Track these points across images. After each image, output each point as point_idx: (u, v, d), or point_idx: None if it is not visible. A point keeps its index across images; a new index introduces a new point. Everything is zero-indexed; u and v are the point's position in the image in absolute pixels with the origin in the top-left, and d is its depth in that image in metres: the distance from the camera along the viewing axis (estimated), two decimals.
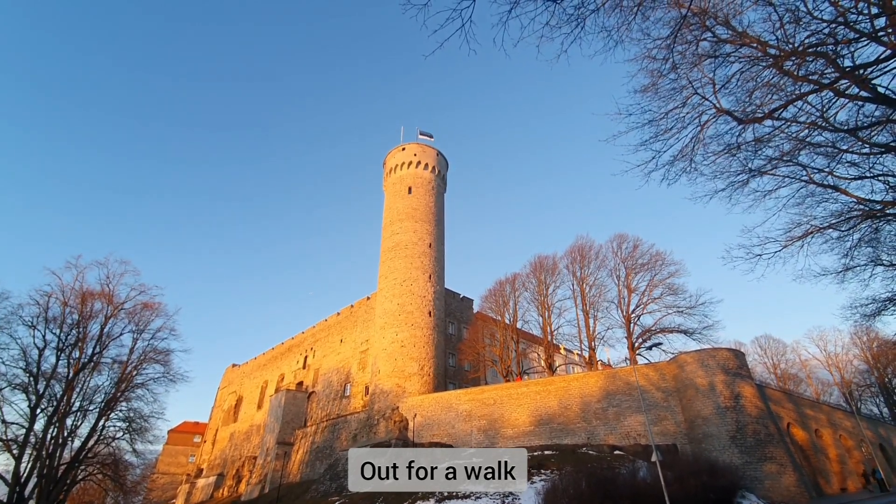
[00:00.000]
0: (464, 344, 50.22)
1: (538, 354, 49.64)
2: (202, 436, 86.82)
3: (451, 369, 50.31)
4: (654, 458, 19.11)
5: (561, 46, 8.55)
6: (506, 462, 29.51)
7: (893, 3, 11.58)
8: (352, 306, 60.58)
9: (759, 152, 16.65)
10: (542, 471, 26.49)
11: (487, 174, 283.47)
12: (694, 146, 14.91)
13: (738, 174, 17.13)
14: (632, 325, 41.15)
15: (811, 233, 20.83)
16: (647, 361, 37.58)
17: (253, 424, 68.61)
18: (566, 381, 36.78)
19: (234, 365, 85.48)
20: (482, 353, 47.67)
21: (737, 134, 16.58)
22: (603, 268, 45.10)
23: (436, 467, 33.11)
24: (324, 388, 57.52)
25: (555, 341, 46.47)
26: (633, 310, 41.59)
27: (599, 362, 45.01)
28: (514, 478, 25.70)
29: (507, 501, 22.58)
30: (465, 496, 23.57)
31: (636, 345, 40.21)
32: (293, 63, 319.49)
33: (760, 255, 21.04)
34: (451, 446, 37.34)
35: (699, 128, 14.61)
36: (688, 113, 14.56)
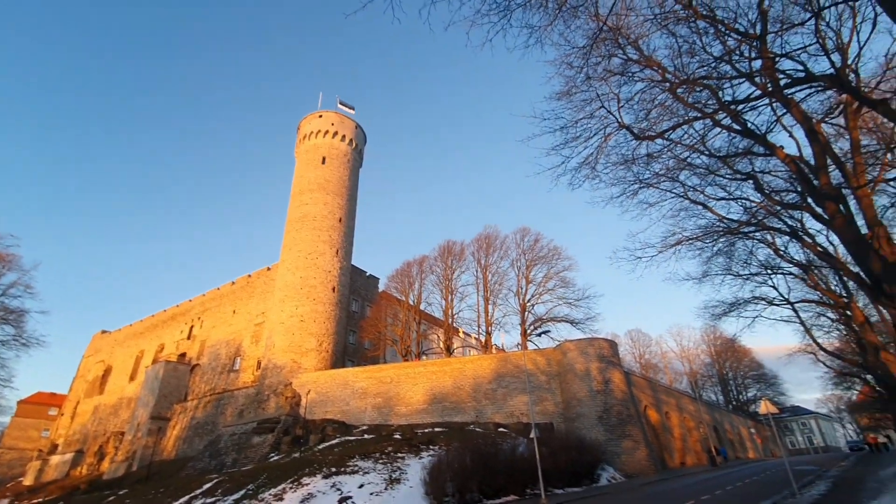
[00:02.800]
0: (366, 322, 49.91)
1: (438, 336, 51.03)
2: (59, 408, 76.60)
3: (351, 347, 49.84)
4: (532, 435, 20.81)
5: (486, 35, 8.71)
6: (396, 438, 30.21)
7: (769, 49, 13.43)
8: (249, 276, 56.97)
9: (649, 167, 18.51)
10: (431, 447, 27.52)
11: (405, 156, 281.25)
12: (597, 155, 16.11)
13: (631, 185, 18.92)
14: (526, 312, 43.95)
15: (682, 242, 23.78)
16: (536, 347, 40.55)
17: (123, 397, 62.04)
18: (462, 363, 38.40)
19: (103, 332, 76.23)
20: (384, 332, 47.83)
21: (633, 148, 18.24)
22: (506, 258, 47.44)
23: (326, 443, 32.83)
24: (210, 360, 53.72)
25: (455, 324, 48.11)
26: (529, 299, 44.41)
27: (494, 346, 47.58)
28: (402, 454, 26.39)
29: (394, 476, 23.13)
30: (354, 471, 23.70)
31: (528, 331, 43.09)
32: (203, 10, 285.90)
33: (640, 258, 23.58)
34: (344, 423, 37.22)
35: (603, 139, 15.80)
36: (595, 124, 15.64)
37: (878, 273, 14.13)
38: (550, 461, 22.79)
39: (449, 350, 45.83)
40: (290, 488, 22.20)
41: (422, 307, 48.72)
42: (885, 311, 19.54)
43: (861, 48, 13.79)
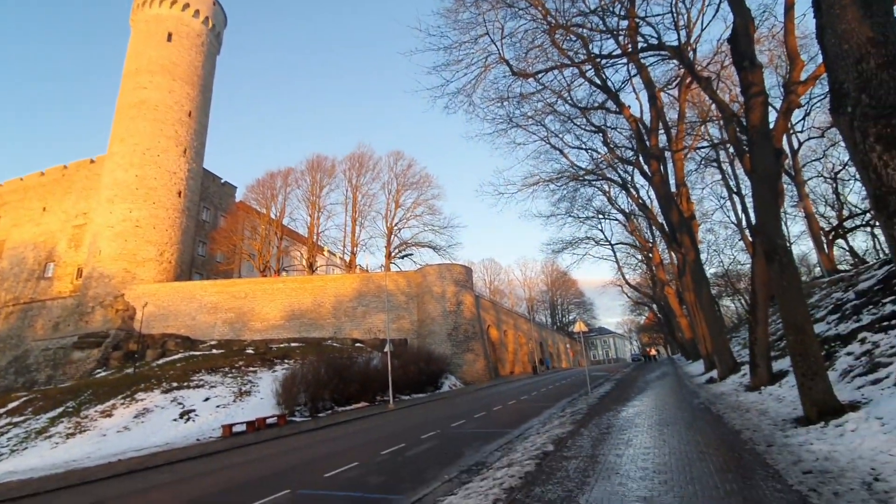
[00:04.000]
0: (218, 233, 45.63)
1: (301, 253, 49.36)
2: None
3: (201, 259, 45.55)
4: (386, 349, 22.31)
5: None
6: (248, 353, 29.56)
7: (636, 11, 14.70)
8: (65, 167, 46.76)
9: (521, 107, 19.51)
10: (286, 361, 27.67)
11: (276, 51, 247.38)
12: (476, 84, 16.38)
13: (502, 123, 19.86)
14: (392, 236, 44.85)
15: (539, 183, 26.18)
16: (398, 269, 42.15)
17: None
18: (324, 281, 38.28)
19: None
20: (239, 245, 44.50)
21: (508, 85, 18.93)
22: (377, 180, 46.87)
23: (167, 358, 30.62)
24: (12, 265, 44.33)
25: (320, 243, 46.99)
26: (397, 223, 45.19)
27: (358, 266, 48.07)
28: (255, 368, 26.11)
29: (244, 389, 22.95)
30: (199, 386, 22.82)
31: (392, 254, 44.30)
32: None
33: (503, 194, 25.52)
34: (189, 338, 34.87)
35: (483, 68, 16.05)
36: (478, 52, 15.72)
37: (675, 223, 17.63)
38: (401, 372, 24.94)
39: (312, 268, 44.98)
40: (122, 404, 20.53)
41: (285, 222, 46.23)
42: (674, 255, 24.65)
43: (703, 29, 15.96)
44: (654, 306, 46.76)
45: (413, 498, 6.31)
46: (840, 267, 25.36)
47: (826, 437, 5.70)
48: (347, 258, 46.55)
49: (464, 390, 28.34)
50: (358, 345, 33.35)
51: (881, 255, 26.11)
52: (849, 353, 8.71)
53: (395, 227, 45.09)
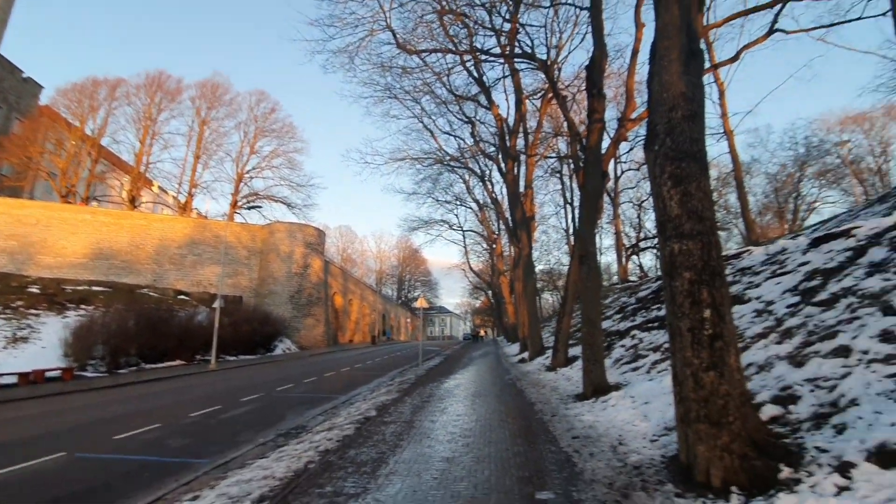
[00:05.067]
0: (10, 139, 35.53)
1: (121, 184, 41.45)
2: None
3: None
4: (216, 305, 20.32)
5: None
6: (32, 292, 24.11)
7: (518, 17, 15.55)
8: None
9: (401, 80, 19.30)
10: (84, 306, 23.31)
11: None
12: (359, 47, 15.65)
13: (380, 91, 19.39)
14: (242, 183, 40.69)
15: (406, 159, 26.38)
16: (243, 221, 38.49)
17: None
18: (148, 220, 33.02)
19: None
20: (37, 158, 35.38)
21: (392, 56, 18.51)
22: (233, 118, 41.80)
23: None
24: None
25: (150, 175, 40.19)
26: (249, 170, 41.09)
27: (195, 210, 42.52)
28: (39, 311, 21.44)
29: (20, 334, 18.71)
30: None
31: (239, 203, 40.25)
32: None
33: (370, 164, 25.20)
34: None
35: (369, 32, 15.37)
36: (365, 14, 14.99)
37: (518, 220, 19.54)
38: (231, 331, 23.03)
39: (133, 202, 38.23)
40: None
41: (104, 143, 38.22)
42: (513, 248, 27.36)
43: (569, 52, 17.71)
44: (490, 292, 51.44)
45: (219, 461, 5.94)
46: (631, 277, 31.18)
47: (594, 411, 7.03)
48: (182, 199, 40.77)
49: (298, 355, 27.49)
50: (182, 297, 29.68)
51: (659, 272, 32.96)
52: (622, 346, 10.84)
53: (247, 175, 40.96)
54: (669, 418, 5.17)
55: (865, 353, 4.62)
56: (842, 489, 3.08)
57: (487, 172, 27.65)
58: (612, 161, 28.26)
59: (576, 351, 13.19)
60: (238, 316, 25.83)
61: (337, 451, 5.58)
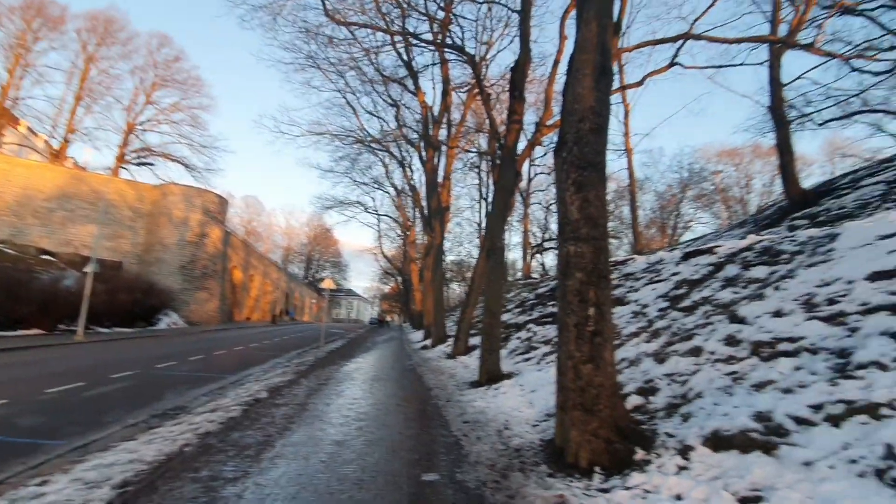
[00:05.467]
0: None
1: None
2: None
3: None
4: (88, 269, 17.92)
5: None
6: None
7: (452, 9, 15.51)
8: None
9: (327, 50, 18.36)
10: None
11: None
12: (284, 6, 14.62)
13: (303, 58, 18.31)
14: (132, 135, 36.13)
15: (325, 134, 25.31)
16: (130, 178, 34.30)
17: None
18: (10, 164, 28.04)
19: None
20: None
21: (319, 25, 17.53)
22: (128, 59, 36.86)
23: None
24: None
25: (17, 112, 34.04)
26: (143, 121, 36.62)
27: (72, 160, 36.96)
28: None
29: None
30: None
31: (127, 157, 35.74)
32: None
33: (285, 134, 23.74)
34: None
35: None
36: None
37: (433, 210, 19.74)
38: (106, 300, 20.49)
39: None
40: None
41: None
42: (426, 237, 27.61)
43: (498, 52, 18.13)
44: (400, 278, 51.56)
45: (77, 443, 5.29)
46: (533, 274, 33.13)
47: (486, 397, 7.40)
48: (56, 145, 35.16)
49: (185, 330, 25.30)
50: (46, 257, 25.73)
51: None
52: (518, 338, 11.51)
53: (139, 127, 36.48)
54: (551, 405, 5.60)
55: (713, 353, 5.40)
56: (681, 468, 3.58)
57: (408, 159, 27.51)
58: (526, 162, 29.55)
59: (477, 340, 13.74)
60: (116, 283, 23.06)
61: (218, 434, 5.26)
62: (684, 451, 3.78)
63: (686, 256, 9.57)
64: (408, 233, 37.80)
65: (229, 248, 37.36)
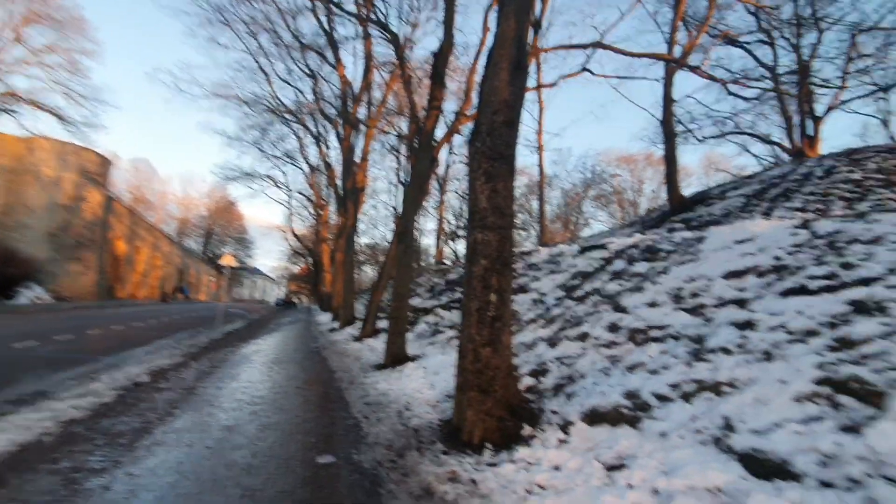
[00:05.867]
0: None
1: None
2: None
3: None
4: None
5: None
6: None
7: None
8: None
9: (238, 4, 16.87)
10: None
11: None
12: None
13: (208, 11, 16.67)
14: None
15: (232, 98, 23.35)
16: None
17: None
18: None
19: None
20: None
21: None
22: None
23: None
24: None
25: None
26: (9, 63, 30.77)
27: None
28: None
29: None
30: None
31: None
32: None
33: (184, 92, 21.46)
34: None
35: None
36: None
37: (348, 190, 19.20)
38: None
39: None
40: None
41: None
42: (340, 217, 26.80)
43: (423, 35, 17.86)
44: (311, 259, 49.63)
45: None
46: (445, 261, 33.77)
47: (389, 379, 7.46)
48: None
49: (54, 306, 22.11)
50: None
51: None
52: (426, 322, 11.71)
53: (3, 68, 30.55)
54: (452, 387, 5.80)
55: (597, 338, 5.94)
56: (562, 442, 3.92)
57: (324, 134, 26.34)
58: (445, 150, 29.78)
59: (386, 324, 13.73)
60: None
61: (86, 422, 4.72)
62: (565, 426, 4.13)
63: (583, 250, 10.37)
64: (321, 212, 36.36)
65: (112, 215, 33.18)
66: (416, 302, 14.53)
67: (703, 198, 15.80)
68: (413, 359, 8.50)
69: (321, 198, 35.76)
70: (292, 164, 33.30)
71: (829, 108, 18.65)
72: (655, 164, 38.25)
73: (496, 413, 4.42)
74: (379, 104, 20.75)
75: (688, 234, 8.30)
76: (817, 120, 18.15)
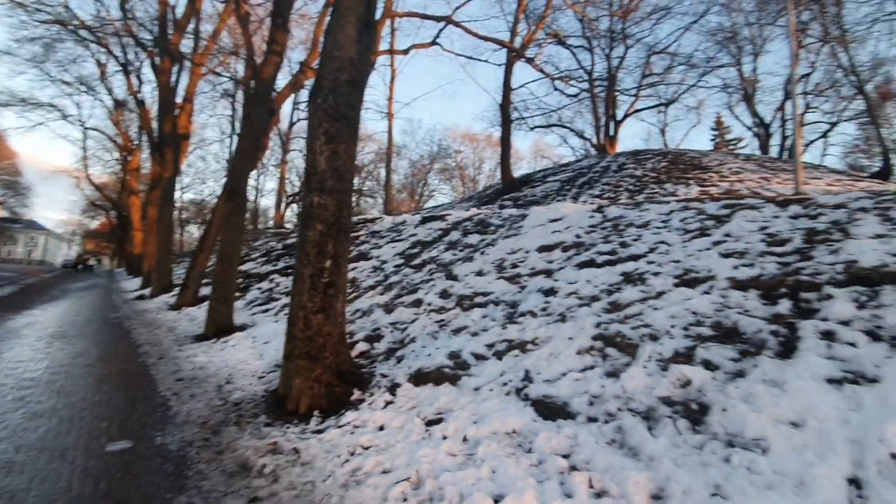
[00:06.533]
0: None
1: None
2: None
3: None
4: None
5: None
6: None
7: None
8: None
9: None
10: None
11: None
12: None
13: None
14: None
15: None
16: None
17: None
18: None
19: None
20: None
21: None
22: None
23: None
24: None
25: None
26: None
27: None
28: None
29: None
30: None
31: None
32: None
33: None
34: None
35: None
36: None
37: (166, 135, 16.40)
38: None
39: None
40: None
41: None
42: (154, 166, 22.76)
43: None
44: (114, 213, 41.33)
45: None
46: (287, 224, 31.71)
47: (211, 351, 6.77)
48: None
49: None
50: None
51: None
52: (259, 289, 10.90)
53: None
54: (282, 356, 5.55)
55: (430, 304, 6.28)
56: (388, 403, 4.08)
57: (136, 64, 21.78)
58: (289, 104, 27.53)
59: (208, 290, 12.35)
60: None
61: None
62: (393, 388, 4.31)
63: (424, 221, 10.75)
64: (129, 157, 30.25)
65: None
66: (248, 267, 13.37)
67: (529, 180, 17.74)
68: (241, 328, 7.85)
69: (130, 140, 29.78)
70: (91, 94, 26.88)
71: (626, 115, 22.52)
72: (494, 145, 41.47)
73: (325, 379, 4.37)
74: (209, 38, 17.92)
75: (514, 212, 9.24)
76: (618, 123, 21.76)
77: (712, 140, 37.21)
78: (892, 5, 17.21)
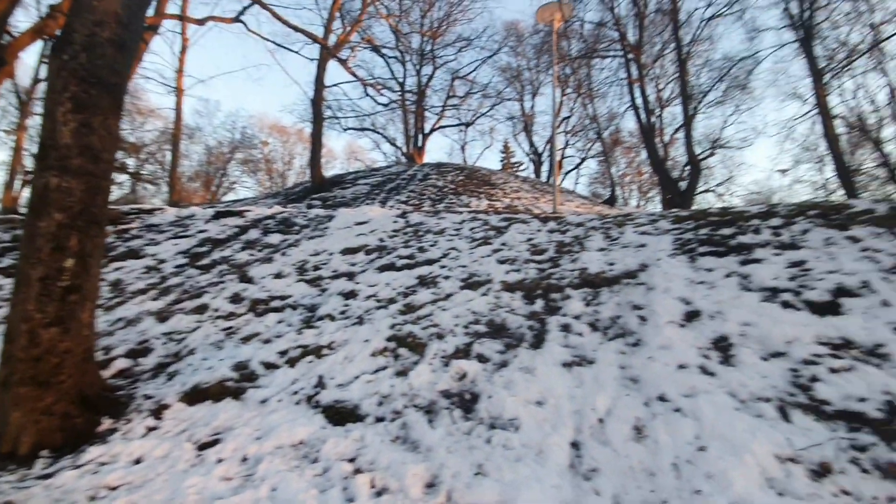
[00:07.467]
0: None
1: None
2: None
3: None
4: None
5: None
6: None
7: None
8: None
9: None
10: None
11: None
12: None
13: None
14: None
15: None
16: None
17: None
18: None
19: None
20: None
21: None
22: None
23: None
24: None
25: None
26: None
27: None
28: None
29: None
30: None
31: None
32: None
33: None
34: None
35: None
36: None
37: None
38: None
39: None
40: None
41: None
42: None
43: None
44: None
45: None
46: (21, 209, 24.31)
47: None
48: None
49: None
50: None
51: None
52: None
53: None
54: None
55: (217, 310, 5.59)
56: (150, 429, 3.46)
57: None
58: (34, 55, 21.35)
59: None
60: None
61: None
62: (159, 410, 3.67)
63: (217, 215, 9.57)
64: None
65: None
66: None
67: (340, 181, 17.54)
68: None
69: None
70: None
71: (433, 129, 24.30)
72: (306, 141, 39.74)
73: (60, 409, 3.46)
74: None
75: (321, 212, 8.98)
76: (426, 135, 23.29)
77: (501, 161, 43.05)
78: (623, 72, 22.80)
